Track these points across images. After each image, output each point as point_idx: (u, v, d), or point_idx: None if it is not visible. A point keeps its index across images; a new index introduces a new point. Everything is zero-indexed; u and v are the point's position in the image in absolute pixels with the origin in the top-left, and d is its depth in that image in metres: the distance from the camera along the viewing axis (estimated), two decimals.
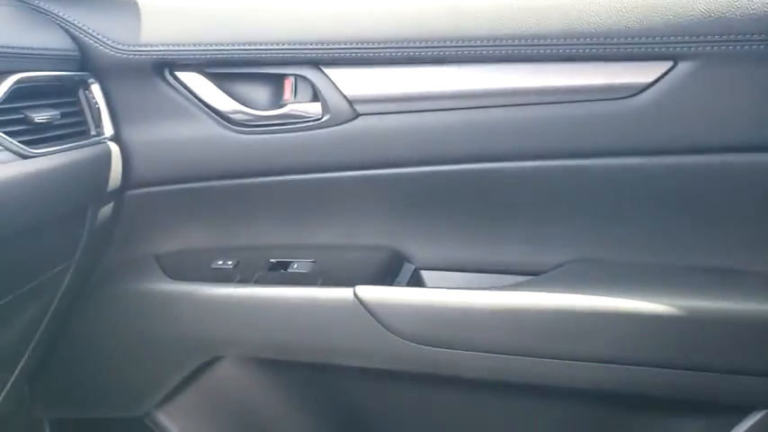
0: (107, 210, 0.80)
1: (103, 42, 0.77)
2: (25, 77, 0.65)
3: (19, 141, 0.63)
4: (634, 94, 0.71)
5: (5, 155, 0.61)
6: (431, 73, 0.76)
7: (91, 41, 0.77)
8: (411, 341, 0.75)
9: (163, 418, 0.91)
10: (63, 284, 0.80)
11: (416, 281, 0.83)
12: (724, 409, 0.74)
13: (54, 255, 0.76)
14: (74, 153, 0.71)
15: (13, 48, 0.66)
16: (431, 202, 0.81)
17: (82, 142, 0.73)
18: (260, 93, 0.81)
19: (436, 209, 0.82)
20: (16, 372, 0.82)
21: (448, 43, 0.74)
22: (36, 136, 0.66)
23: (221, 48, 0.78)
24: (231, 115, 0.80)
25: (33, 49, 0.70)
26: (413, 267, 0.83)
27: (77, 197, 0.74)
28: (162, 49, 0.78)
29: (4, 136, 0.61)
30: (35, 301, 0.78)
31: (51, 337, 0.85)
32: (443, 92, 0.76)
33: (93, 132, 0.76)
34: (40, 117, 0.67)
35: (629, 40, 0.69)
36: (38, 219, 0.68)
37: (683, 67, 0.69)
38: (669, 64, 0.69)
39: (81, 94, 0.76)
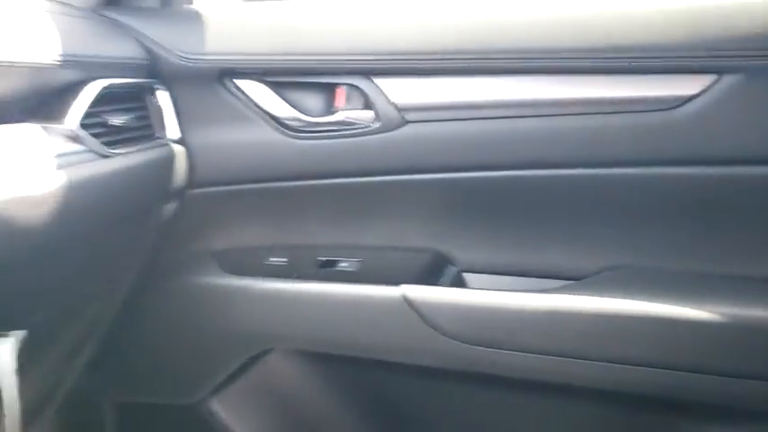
0: (171, 208, 0.85)
1: (171, 52, 0.83)
2: (109, 84, 0.71)
3: (100, 142, 0.69)
4: (677, 106, 0.72)
5: (89, 155, 0.66)
6: (478, 83, 0.79)
7: (160, 51, 0.83)
8: (456, 340, 0.78)
9: (216, 405, 0.95)
10: (129, 278, 0.85)
11: (459, 283, 0.86)
12: (763, 416, 0.75)
13: (122, 250, 0.82)
14: (144, 154, 0.77)
15: (99, 57, 0.73)
16: (475, 206, 0.84)
17: (151, 144, 0.79)
18: (314, 100, 0.85)
19: (480, 213, 0.85)
20: (83, 359, 0.88)
21: (494, 55, 0.77)
22: (112, 138, 0.72)
23: (279, 58, 0.83)
24: (287, 121, 0.84)
25: (112, 58, 0.76)
26: (456, 269, 0.86)
27: (146, 195, 0.80)
28: (224, 58, 0.83)
29: (90, 137, 0.67)
30: (103, 295, 0.83)
31: (115, 327, 0.91)
32: (490, 101, 0.79)
33: (160, 135, 0.82)
34: (116, 120, 0.73)
35: (673, 53, 0.71)
36: (113, 216, 0.73)
37: (727, 80, 0.70)
38: (713, 77, 0.71)
39: (150, 99, 0.82)
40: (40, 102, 0.66)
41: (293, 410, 0.96)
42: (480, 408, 0.89)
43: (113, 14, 0.84)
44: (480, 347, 0.78)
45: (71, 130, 0.65)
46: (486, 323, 0.78)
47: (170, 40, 0.83)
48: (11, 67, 0.61)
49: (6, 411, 0.57)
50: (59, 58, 0.67)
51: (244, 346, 0.91)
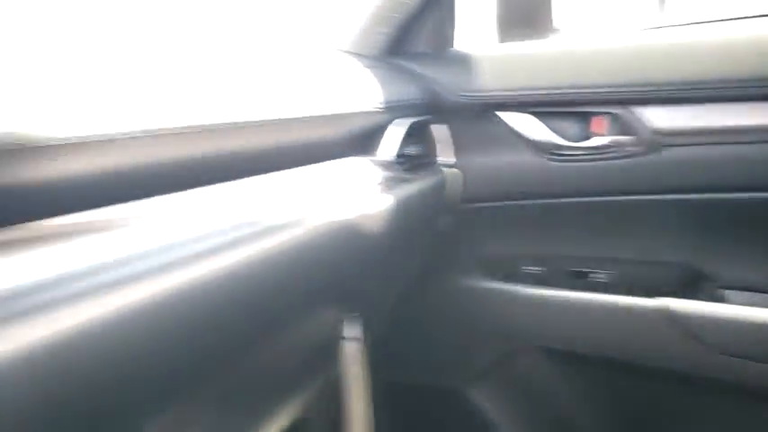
0: (447, 220, 1.01)
1: (450, 91, 0.99)
2: (412, 122, 0.89)
3: (404, 169, 0.87)
4: None
5: (398, 180, 0.84)
6: (733, 108, 0.83)
7: (441, 90, 0.99)
8: (720, 352, 0.83)
9: (473, 391, 1.10)
10: (411, 277, 1.03)
11: (714, 297, 0.89)
12: None
13: (413, 255, 1.00)
14: (431, 178, 0.94)
15: (400, 101, 0.91)
16: (731, 225, 0.87)
17: (434, 169, 0.96)
18: (572, 127, 0.95)
19: (737, 231, 0.87)
20: (368, 341, 1.08)
21: (750, 83, 0.80)
22: (409, 165, 0.90)
23: (540, 92, 0.95)
24: (546, 147, 0.95)
25: (407, 100, 0.95)
26: (712, 285, 0.89)
27: (432, 210, 0.97)
28: (491, 94, 0.97)
29: (399, 165, 0.85)
30: (393, 291, 1.02)
31: (393, 317, 1.10)
32: (745, 126, 0.82)
33: (441, 161, 0.99)
34: (411, 150, 0.91)
35: None
36: (411, 227, 0.91)
37: None
38: None
39: (432, 131, 0.99)
40: (361, 139, 0.86)
41: (541, 403, 1.07)
42: (741, 420, 0.91)
43: (398, 61, 1.03)
44: (743, 360, 0.81)
45: (389, 161, 0.84)
46: (750, 337, 0.81)
47: (448, 81, 0.99)
48: (345, 116, 0.81)
49: (353, 378, 0.76)
50: (377, 105, 0.86)
51: (500, 342, 1.04)
